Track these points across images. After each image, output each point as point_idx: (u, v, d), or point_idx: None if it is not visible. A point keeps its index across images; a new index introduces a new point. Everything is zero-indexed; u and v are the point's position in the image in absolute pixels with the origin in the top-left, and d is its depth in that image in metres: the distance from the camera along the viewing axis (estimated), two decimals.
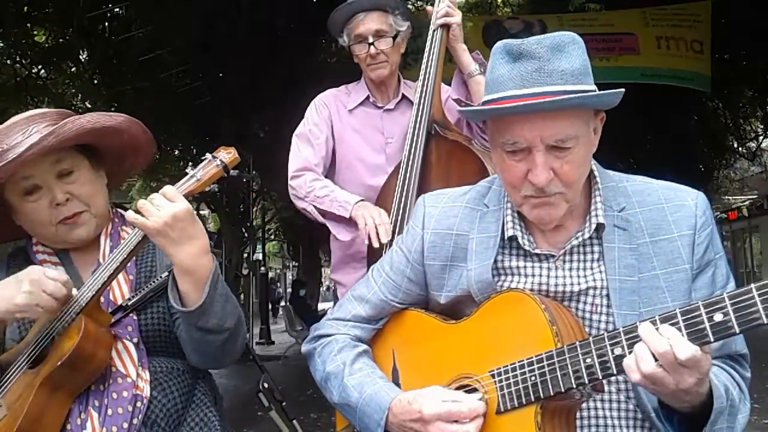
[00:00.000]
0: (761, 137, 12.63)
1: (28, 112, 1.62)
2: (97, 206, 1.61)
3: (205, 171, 1.51)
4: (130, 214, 1.45)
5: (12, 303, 1.39)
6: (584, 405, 1.36)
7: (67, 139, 1.52)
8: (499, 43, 1.32)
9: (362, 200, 2.36)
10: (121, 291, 1.58)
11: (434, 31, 2.41)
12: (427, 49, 2.41)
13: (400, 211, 2.25)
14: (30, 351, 1.48)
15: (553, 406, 1.28)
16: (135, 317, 1.56)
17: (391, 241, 2.18)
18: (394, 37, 2.47)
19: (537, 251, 1.42)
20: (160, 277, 1.60)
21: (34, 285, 1.39)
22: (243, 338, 1.59)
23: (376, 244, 2.15)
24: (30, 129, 1.53)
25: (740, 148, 12.68)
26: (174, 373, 1.58)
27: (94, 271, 1.55)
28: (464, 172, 2.16)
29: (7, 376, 1.49)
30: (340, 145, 2.57)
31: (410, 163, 2.28)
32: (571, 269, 1.40)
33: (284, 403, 1.75)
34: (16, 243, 1.72)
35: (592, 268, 1.40)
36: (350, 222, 2.35)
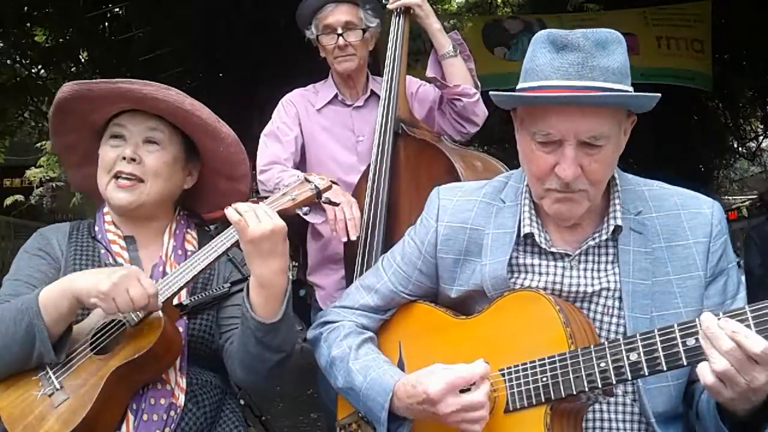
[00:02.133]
0: (761, 137, 12.61)
1: None
2: (154, 187, 1.60)
3: (300, 192, 1.52)
4: (232, 213, 1.43)
5: (96, 287, 1.37)
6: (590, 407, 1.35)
7: (151, 98, 1.53)
8: (543, 32, 1.31)
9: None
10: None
11: (395, 18, 2.34)
12: (390, 44, 2.34)
13: (372, 214, 2.19)
14: (98, 337, 1.46)
15: (562, 408, 1.28)
16: (186, 320, 1.55)
17: (368, 240, 2.13)
18: (364, 31, 2.42)
19: (552, 249, 1.41)
20: (222, 286, 1.60)
21: (123, 279, 1.38)
22: (290, 364, 1.57)
23: (344, 239, 2.10)
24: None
25: (740, 148, 12.66)
26: (207, 386, 1.56)
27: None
28: (433, 173, 2.12)
29: (71, 358, 1.46)
30: (311, 145, 2.51)
31: (379, 165, 2.22)
32: (585, 270, 1.40)
33: (264, 418, 1.72)
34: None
35: (606, 270, 1.39)
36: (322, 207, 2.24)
